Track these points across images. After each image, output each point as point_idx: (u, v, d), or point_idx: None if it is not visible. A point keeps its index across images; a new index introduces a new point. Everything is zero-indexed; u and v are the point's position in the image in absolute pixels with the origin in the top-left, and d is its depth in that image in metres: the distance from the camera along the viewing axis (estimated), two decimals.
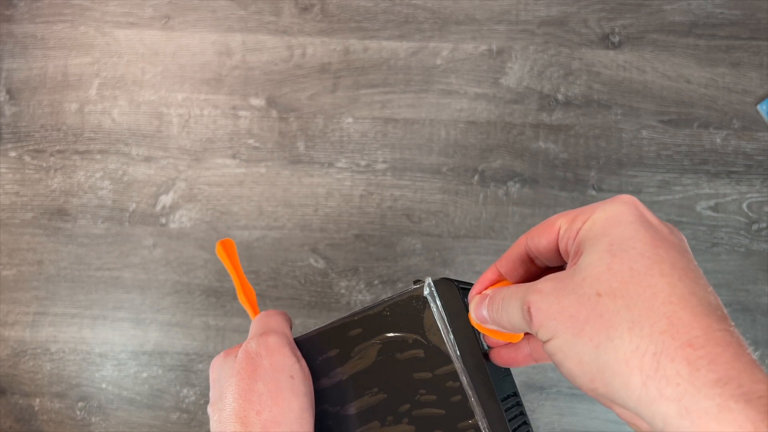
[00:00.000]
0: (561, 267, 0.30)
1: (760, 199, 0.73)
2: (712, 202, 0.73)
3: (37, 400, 0.71)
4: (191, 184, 0.73)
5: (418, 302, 0.33)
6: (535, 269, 0.31)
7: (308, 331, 0.37)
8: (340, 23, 0.74)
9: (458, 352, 0.32)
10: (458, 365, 0.31)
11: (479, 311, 0.30)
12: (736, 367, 0.20)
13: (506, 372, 0.35)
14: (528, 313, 0.25)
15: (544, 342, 0.25)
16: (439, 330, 0.32)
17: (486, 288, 0.31)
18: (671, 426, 0.20)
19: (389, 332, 0.34)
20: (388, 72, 0.73)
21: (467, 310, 0.32)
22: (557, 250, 0.28)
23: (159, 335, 0.72)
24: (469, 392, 0.31)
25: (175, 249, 0.72)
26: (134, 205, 0.73)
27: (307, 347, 0.36)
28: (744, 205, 0.73)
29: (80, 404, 0.71)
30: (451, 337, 0.32)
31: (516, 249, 0.30)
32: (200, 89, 0.74)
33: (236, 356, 0.34)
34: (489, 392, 0.31)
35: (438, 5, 0.74)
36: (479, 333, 0.33)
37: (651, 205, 0.73)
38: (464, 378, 0.31)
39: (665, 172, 0.73)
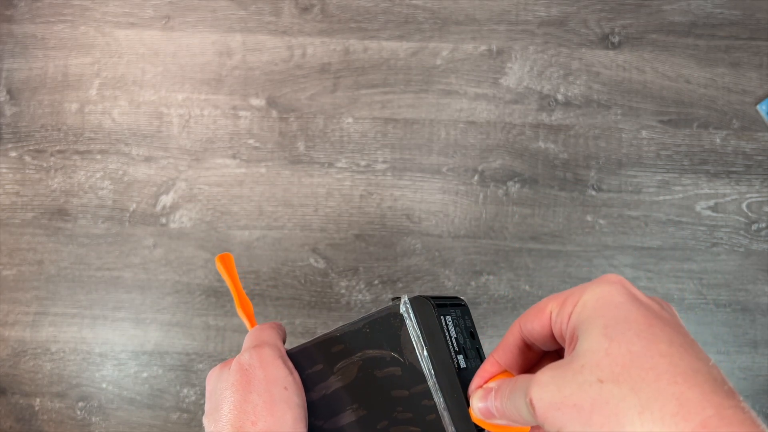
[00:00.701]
0: (559, 351, 0.29)
1: (759, 199, 0.73)
2: (711, 202, 0.73)
3: (38, 400, 0.71)
4: (191, 184, 0.73)
5: (395, 319, 0.33)
6: (533, 355, 0.30)
7: (296, 345, 0.37)
8: (340, 23, 0.74)
9: (432, 370, 0.32)
10: (432, 383, 0.32)
11: (485, 405, 0.28)
12: None
13: None
14: (531, 405, 0.24)
15: (547, 423, 0.24)
16: (414, 348, 0.32)
17: (486, 381, 0.30)
18: None
19: (369, 349, 0.34)
20: (388, 72, 0.74)
21: (442, 329, 0.33)
22: (551, 335, 0.28)
23: (159, 335, 0.72)
24: (443, 412, 0.31)
25: (176, 249, 0.72)
26: (134, 205, 0.73)
27: (293, 362, 0.36)
28: (743, 205, 0.73)
29: (80, 404, 0.71)
30: (426, 354, 0.32)
31: (511, 337, 0.29)
32: (200, 89, 0.74)
33: (231, 368, 0.34)
34: (462, 412, 0.31)
35: (438, 5, 0.74)
36: (455, 350, 0.33)
37: (650, 205, 0.73)
38: (438, 397, 0.31)
39: (665, 172, 0.73)
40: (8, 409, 0.71)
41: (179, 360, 0.72)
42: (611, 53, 0.74)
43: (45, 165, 0.73)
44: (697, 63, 0.74)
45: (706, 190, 0.73)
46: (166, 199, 0.73)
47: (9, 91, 0.74)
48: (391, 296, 0.43)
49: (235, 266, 0.41)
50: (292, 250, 0.72)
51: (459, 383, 0.32)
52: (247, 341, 0.37)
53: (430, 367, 0.32)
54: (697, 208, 0.73)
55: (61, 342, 0.72)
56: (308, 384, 0.36)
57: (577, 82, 0.74)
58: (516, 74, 0.74)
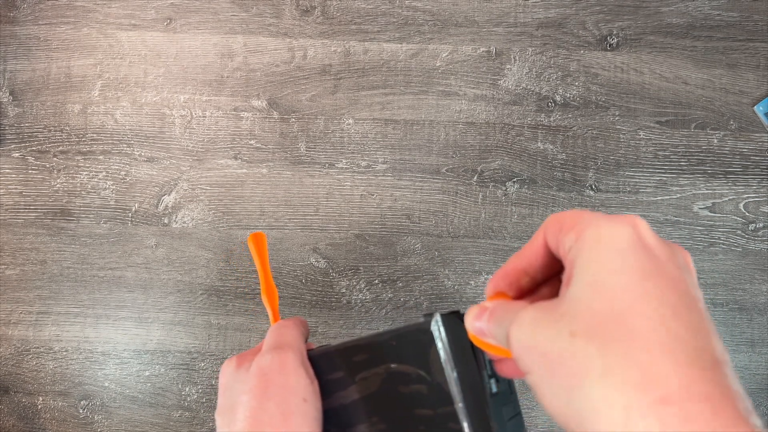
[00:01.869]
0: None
1: (756, 199, 0.73)
2: (709, 203, 0.73)
3: (40, 398, 0.72)
4: (193, 185, 0.73)
5: (425, 336, 0.31)
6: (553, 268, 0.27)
7: (318, 346, 0.36)
8: (340, 25, 0.74)
9: (461, 393, 0.30)
10: (460, 407, 0.30)
11: (479, 325, 0.27)
12: (713, 426, 0.18)
13: (514, 413, 0.33)
14: (507, 341, 0.24)
15: (524, 372, 0.23)
16: (443, 368, 0.30)
17: (491, 298, 0.28)
18: None
19: (394, 363, 0.32)
20: (388, 74, 0.74)
21: (474, 351, 0.31)
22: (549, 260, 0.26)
23: (161, 334, 0.72)
24: None
25: (178, 249, 0.73)
26: (137, 205, 0.73)
27: (313, 364, 0.35)
28: (741, 206, 0.73)
29: (83, 403, 0.72)
30: (455, 376, 0.30)
31: (528, 253, 0.27)
32: (202, 90, 0.74)
33: (248, 368, 0.33)
34: None
35: (437, 8, 0.75)
36: (487, 374, 0.31)
37: (648, 205, 0.73)
38: (465, 422, 0.29)
39: (662, 172, 0.74)
40: (11, 407, 0.72)
41: (181, 359, 0.72)
42: (609, 55, 0.74)
43: (48, 165, 0.74)
44: (694, 64, 0.74)
45: (704, 191, 0.73)
46: (169, 200, 0.73)
47: (12, 92, 0.74)
48: (423, 313, 0.42)
49: (267, 248, 0.40)
50: (293, 249, 0.73)
51: (489, 410, 0.30)
52: (269, 339, 0.35)
53: (459, 390, 0.30)
54: (695, 208, 0.73)
55: (64, 341, 0.72)
56: (326, 390, 0.34)
57: (576, 84, 0.74)
58: (515, 76, 0.74)
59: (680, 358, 0.19)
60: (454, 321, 0.31)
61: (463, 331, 0.30)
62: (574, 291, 0.22)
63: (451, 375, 0.30)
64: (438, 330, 0.30)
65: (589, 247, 0.22)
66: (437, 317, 0.30)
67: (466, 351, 0.30)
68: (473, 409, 0.29)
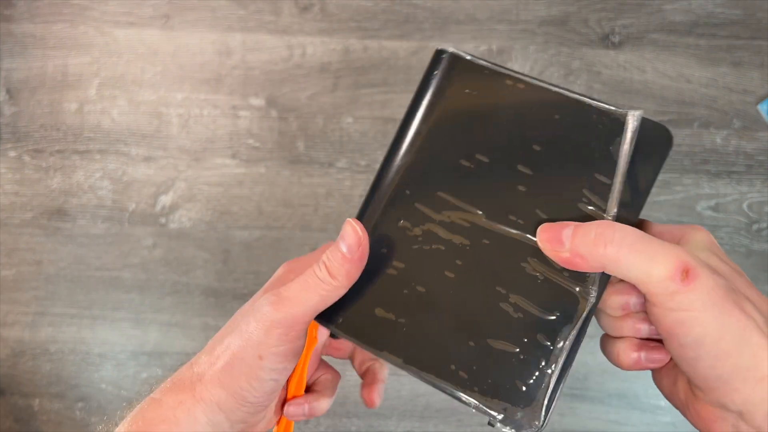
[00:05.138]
0: None
1: (760, 199, 0.73)
2: (712, 202, 0.73)
3: (37, 400, 0.71)
4: (191, 184, 0.73)
5: (614, 125, 0.29)
6: None
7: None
8: (340, 23, 0.74)
9: (625, 175, 0.28)
10: (620, 180, 0.28)
11: (581, 240, 0.27)
12: None
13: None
14: (684, 274, 0.25)
15: (675, 309, 0.25)
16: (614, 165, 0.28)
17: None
18: None
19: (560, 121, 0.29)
20: (388, 72, 0.73)
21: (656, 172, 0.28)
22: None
23: (158, 335, 0.72)
24: (615, 193, 0.28)
25: (175, 249, 0.72)
26: (134, 205, 0.73)
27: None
28: (744, 205, 0.73)
29: (79, 404, 0.71)
30: (626, 169, 0.28)
31: None
32: (200, 89, 0.73)
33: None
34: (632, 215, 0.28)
35: (438, 5, 0.74)
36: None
37: (652, 205, 0.73)
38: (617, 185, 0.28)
39: (666, 172, 0.73)
40: (7, 409, 0.71)
41: (178, 360, 0.72)
42: (612, 53, 0.74)
43: (44, 165, 0.73)
44: (698, 62, 0.74)
45: (707, 190, 0.73)
46: (166, 199, 0.73)
47: (8, 91, 0.74)
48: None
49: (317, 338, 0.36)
50: (292, 250, 0.72)
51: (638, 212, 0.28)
52: (279, 273, 0.34)
53: (624, 174, 0.28)
54: (698, 208, 0.73)
55: (60, 342, 0.72)
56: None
57: (578, 82, 0.73)
58: None
59: None
60: (661, 130, 0.29)
61: (665, 146, 0.29)
62: (707, 258, 0.27)
63: (625, 163, 0.28)
64: (635, 127, 0.28)
65: (699, 239, 0.29)
66: (637, 113, 0.28)
67: (654, 162, 0.28)
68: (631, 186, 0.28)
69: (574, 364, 0.29)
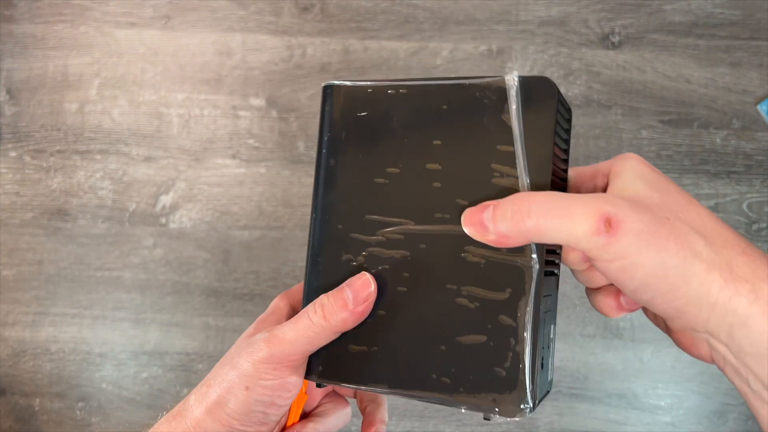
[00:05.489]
0: None
1: (759, 199, 0.73)
2: (712, 202, 0.73)
3: (37, 400, 0.71)
4: (191, 184, 0.73)
5: (494, 95, 0.29)
6: None
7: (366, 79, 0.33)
8: (340, 23, 0.74)
9: (523, 143, 0.28)
10: (519, 147, 0.28)
11: (497, 222, 0.27)
12: None
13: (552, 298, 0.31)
14: (607, 225, 0.24)
15: (612, 259, 0.25)
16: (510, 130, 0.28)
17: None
18: (739, 324, 0.24)
19: (447, 112, 0.30)
20: (388, 72, 0.74)
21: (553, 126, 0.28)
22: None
23: (159, 335, 0.72)
24: (522, 163, 0.28)
25: (175, 249, 0.72)
26: (134, 205, 0.73)
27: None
28: (744, 205, 0.73)
29: (80, 404, 0.71)
30: (522, 140, 0.28)
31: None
32: (200, 89, 0.74)
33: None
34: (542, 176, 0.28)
35: (438, 5, 0.74)
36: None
37: None
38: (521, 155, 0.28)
39: (665, 172, 0.73)
40: (8, 409, 0.71)
41: (179, 360, 0.72)
42: (611, 53, 0.74)
43: (45, 165, 0.73)
44: (697, 63, 0.74)
45: (707, 190, 0.73)
46: (166, 199, 0.73)
47: (9, 91, 0.74)
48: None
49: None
50: (292, 250, 0.72)
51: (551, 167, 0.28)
52: (259, 322, 0.34)
53: (524, 160, 0.28)
54: None
55: (61, 342, 0.72)
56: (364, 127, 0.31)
57: (578, 82, 0.73)
58: None
59: (730, 230, 0.26)
60: (544, 83, 0.28)
61: (552, 97, 0.28)
62: (637, 189, 0.27)
63: (519, 136, 0.28)
64: (516, 89, 0.28)
65: (628, 167, 0.28)
66: (514, 75, 0.28)
67: (547, 123, 0.28)
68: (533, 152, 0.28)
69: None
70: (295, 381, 0.31)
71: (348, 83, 0.32)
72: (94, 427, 0.71)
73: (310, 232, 0.32)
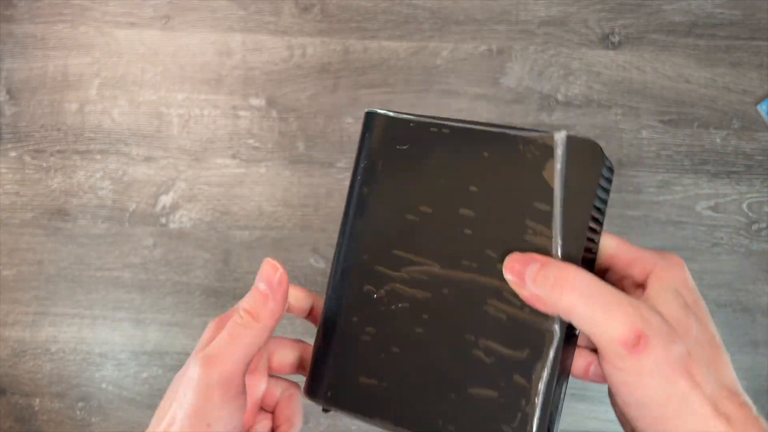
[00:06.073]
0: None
1: (759, 199, 0.73)
2: (712, 202, 0.73)
3: (37, 400, 0.72)
4: (191, 184, 0.73)
5: (538, 151, 0.28)
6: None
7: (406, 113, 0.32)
8: (340, 23, 0.74)
9: (561, 205, 0.28)
10: (558, 208, 0.28)
11: (537, 282, 0.27)
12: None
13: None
14: (636, 340, 0.24)
15: (621, 369, 0.25)
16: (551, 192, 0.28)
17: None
18: None
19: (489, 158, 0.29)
20: (388, 72, 0.74)
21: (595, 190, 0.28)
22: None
23: (159, 335, 0.72)
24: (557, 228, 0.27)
25: (175, 249, 0.72)
26: (134, 205, 0.73)
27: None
28: (744, 205, 0.73)
29: (80, 404, 0.71)
30: (561, 202, 0.28)
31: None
32: (200, 89, 0.74)
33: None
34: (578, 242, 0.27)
35: (438, 5, 0.74)
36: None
37: (651, 205, 0.73)
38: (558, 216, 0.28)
39: (665, 172, 0.73)
40: (8, 409, 0.71)
41: (179, 360, 0.72)
42: (611, 53, 0.74)
43: (45, 165, 0.73)
44: (697, 63, 0.74)
45: (707, 190, 0.73)
46: (166, 199, 0.73)
47: (9, 91, 0.74)
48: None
49: None
50: (293, 250, 0.72)
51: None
52: (204, 334, 0.31)
53: (561, 204, 0.28)
54: (698, 208, 0.73)
55: (61, 342, 0.72)
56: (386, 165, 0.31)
57: (578, 82, 0.74)
58: (516, 74, 0.74)
59: (731, 377, 0.27)
60: (589, 145, 0.28)
61: (598, 161, 0.27)
62: (669, 310, 0.27)
63: (559, 199, 0.28)
64: (563, 148, 0.28)
65: (667, 276, 0.28)
66: (563, 135, 0.28)
67: (587, 186, 0.27)
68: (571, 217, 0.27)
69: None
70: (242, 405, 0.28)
71: (391, 114, 0.32)
72: (94, 427, 0.71)
73: (335, 257, 0.32)
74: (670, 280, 0.28)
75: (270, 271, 0.29)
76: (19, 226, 0.73)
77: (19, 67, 0.74)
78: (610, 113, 0.73)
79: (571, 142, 0.28)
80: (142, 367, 0.72)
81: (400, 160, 0.31)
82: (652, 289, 0.27)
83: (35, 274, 0.72)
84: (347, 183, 0.32)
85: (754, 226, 0.73)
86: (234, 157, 0.73)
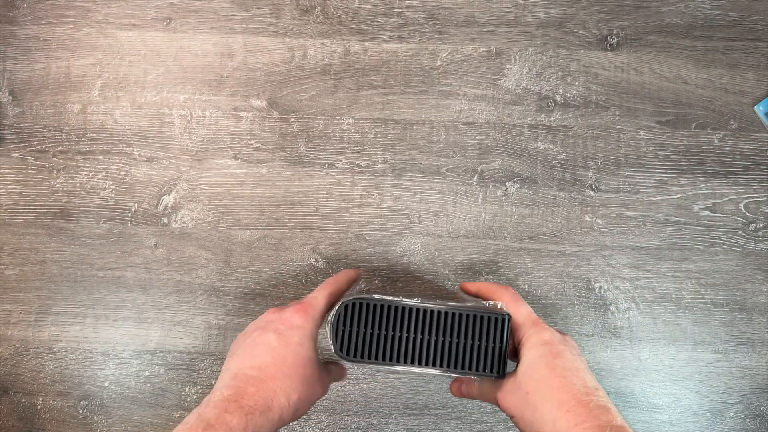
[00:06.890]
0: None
1: (757, 199, 0.73)
2: (709, 203, 0.73)
3: (40, 399, 0.72)
4: (193, 185, 0.73)
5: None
6: None
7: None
8: (340, 25, 0.74)
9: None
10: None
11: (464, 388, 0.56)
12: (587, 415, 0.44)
13: None
14: (497, 403, 0.51)
15: (508, 413, 0.50)
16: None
17: None
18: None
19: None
20: (388, 73, 0.74)
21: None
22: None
23: (161, 334, 0.72)
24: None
25: (177, 249, 0.73)
26: (136, 205, 0.73)
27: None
28: (741, 206, 0.73)
29: (82, 403, 0.72)
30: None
31: None
32: (202, 90, 0.74)
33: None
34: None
35: (437, 7, 0.74)
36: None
37: (648, 205, 0.73)
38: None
39: (663, 172, 0.74)
40: (10, 408, 0.72)
41: (181, 359, 0.72)
42: (609, 54, 0.74)
43: (47, 165, 0.74)
44: (694, 64, 0.74)
45: (704, 191, 0.73)
46: (168, 200, 0.73)
47: (11, 92, 0.74)
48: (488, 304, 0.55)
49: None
50: (293, 249, 0.73)
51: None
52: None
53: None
54: (695, 208, 0.73)
55: (64, 341, 0.72)
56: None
57: (576, 83, 0.74)
58: (515, 75, 0.74)
59: (576, 394, 0.46)
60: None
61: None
62: (522, 369, 0.49)
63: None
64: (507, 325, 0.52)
65: (529, 344, 0.50)
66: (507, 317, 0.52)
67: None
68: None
69: None
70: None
71: (364, 301, 0.53)
72: (96, 426, 0.72)
73: None
74: (533, 346, 0.51)
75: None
76: (22, 226, 0.73)
77: (22, 68, 0.74)
78: (608, 114, 0.74)
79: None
80: (144, 366, 0.72)
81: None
82: (521, 354, 0.52)
83: (38, 274, 0.73)
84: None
85: (752, 226, 0.73)
86: (235, 157, 0.73)
